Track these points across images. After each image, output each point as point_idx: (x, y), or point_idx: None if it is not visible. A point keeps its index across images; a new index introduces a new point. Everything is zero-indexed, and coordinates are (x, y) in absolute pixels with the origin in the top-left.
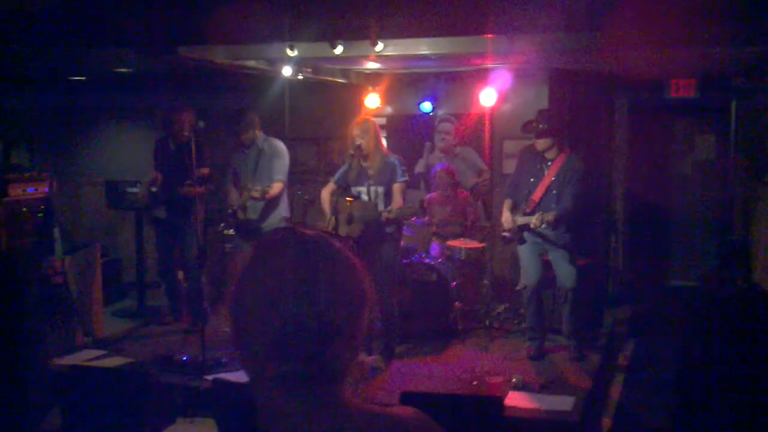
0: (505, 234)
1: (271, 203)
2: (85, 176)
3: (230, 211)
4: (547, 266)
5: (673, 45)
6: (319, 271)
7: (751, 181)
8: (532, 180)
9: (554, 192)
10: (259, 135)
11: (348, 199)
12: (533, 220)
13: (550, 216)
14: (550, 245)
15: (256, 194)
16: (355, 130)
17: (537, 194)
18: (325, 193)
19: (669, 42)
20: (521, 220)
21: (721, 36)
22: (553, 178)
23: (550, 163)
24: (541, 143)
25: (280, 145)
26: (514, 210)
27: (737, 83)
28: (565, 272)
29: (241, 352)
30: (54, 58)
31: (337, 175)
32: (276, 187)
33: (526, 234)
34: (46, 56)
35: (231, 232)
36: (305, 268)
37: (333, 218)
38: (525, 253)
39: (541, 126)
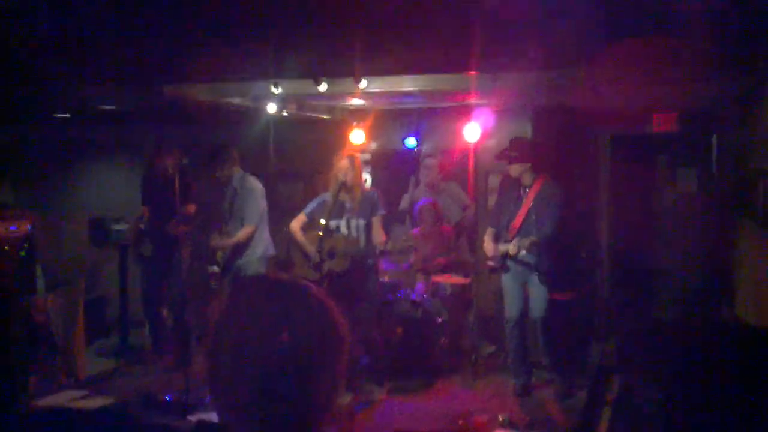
0: (490, 263)
1: (241, 245)
2: (69, 213)
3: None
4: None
5: (654, 81)
6: (294, 316)
7: (733, 215)
8: (511, 208)
9: (533, 218)
10: (237, 172)
11: (319, 234)
12: (510, 247)
13: (527, 242)
14: (531, 273)
15: (215, 245)
16: (341, 165)
17: (517, 221)
18: (296, 225)
19: (650, 78)
20: (503, 248)
21: (702, 72)
22: (531, 204)
23: (528, 190)
24: (514, 169)
25: (254, 185)
26: (497, 239)
27: (718, 117)
28: (535, 301)
29: (219, 399)
30: (39, 95)
31: (309, 207)
32: (243, 233)
33: (509, 263)
34: (31, 93)
35: (215, 268)
36: (280, 314)
37: (317, 254)
38: (507, 284)
39: (513, 153)
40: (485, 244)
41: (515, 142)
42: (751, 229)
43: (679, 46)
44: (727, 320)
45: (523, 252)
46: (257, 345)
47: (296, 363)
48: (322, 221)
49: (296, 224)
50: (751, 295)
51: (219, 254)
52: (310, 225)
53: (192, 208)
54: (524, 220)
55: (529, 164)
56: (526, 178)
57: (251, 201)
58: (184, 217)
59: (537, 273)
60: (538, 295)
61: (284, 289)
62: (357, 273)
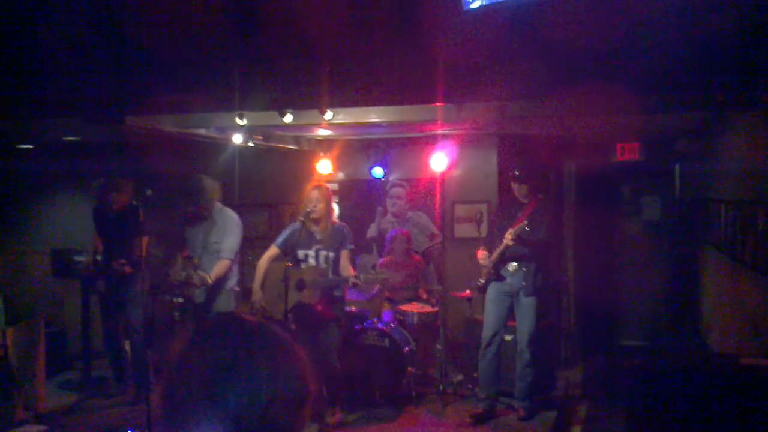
0: (481, 281)
1: (218, 283)
2: (30, 245)
3: (176, 282)
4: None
5: (618, 112)
6: (262, 363)
7: (697, 242)
8: (506, 223)
9: (527, 229)
10: (216, 205)
11: (288, 264)
12: (508, 235)
13: (524, 225)
14: (519, 296)
15: (197, 282)
16: (309, 195)
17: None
18: (265, 258)
19: (614, 109)
20: (495, 255)
21: (662, 103)
22: (526, 218)
23: (524, 207)
24: (520, 189)
25: (234, 219)
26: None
27: (680, 147)
28: (524, 327)
29: None
30: (1, 127)
31: (280, 239)
32: (221, 267)
33: (495, 285)
34: None
35: (180, 299)
36: (247, 361)
37: (283, 284)
38: (490, 302)
39: (522, 174)
40: (479, 256)
41: (524, 164)
42: (714, 256)
43: (641, 79)
44: (691, 346)
45: (516, 237)
46: (219, 392)
47: (261, 416)
48: (299, 252)
49: (266, 256)
50: (715, 320)
51: (187, 290)
52: (281, 256)
53: (144, 242)
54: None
55: (533, 184)
56: (525, 197)
57: (231, 235)
58: (131, 258)
59: (530, 296)
60: (527, 320)
61: (252, 332)
62: (325, 304)
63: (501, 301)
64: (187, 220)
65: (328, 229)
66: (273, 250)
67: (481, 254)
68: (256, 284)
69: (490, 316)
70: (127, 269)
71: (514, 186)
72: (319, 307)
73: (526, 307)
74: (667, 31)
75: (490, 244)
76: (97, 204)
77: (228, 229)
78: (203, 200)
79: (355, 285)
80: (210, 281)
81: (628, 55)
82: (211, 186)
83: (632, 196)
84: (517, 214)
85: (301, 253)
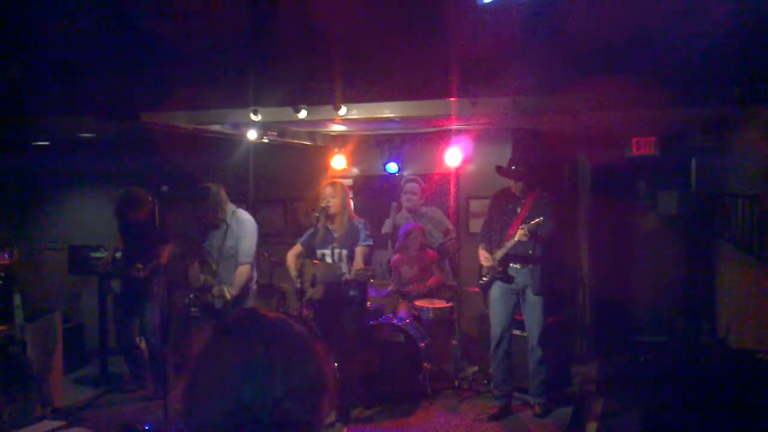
0: (484, 279)
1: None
2: (47, 241)
3: (194, 291)
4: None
5: (633, 107)
6: (277, 358)
7: (713, 237)
8: (505, 219)
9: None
10: (228, 209)
11: (315, 261)
12: (519, 233)
13: (535, 222)
14: (525, 293)
15: (216, 294)
16: (324, 192)
17: (513, 228)
18: (290, 256)
19: (630, 104)
20: (500, 253)
21: (678, 97)
22: (527, 213)
23: (524, 201)
24: (518, 185)
25: (249, 222)
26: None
27: (695, 141)
28: (532, 325)
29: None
30: (17, 124)
31: (304, 237)
32: (241, 275)
33: (499, 283)
34: (9, 122)
35: (195, 312)
36: (263, 354)
37: (299, 281)
38: (495, 301)
39: (520, 170)
40: (481, 256)
41: (521, 161)
42: (731, 251)
43: (656, 74)
44: (708, 342)
45: (528, 236)
46: (235, 384)
47: (274, 408)
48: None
49: (291, 254)
50: (732, 316)
51: (209, 297)
52: (305, 254)
53: (167, 250)
54: (520, 226)
55: (531, 180)
56: (523, 192)
57: (246, 239)
58: (149, 265)
59: (536, 295)
60: (536, 319)
61: (270, 326)
62: (336, 301)
63: (506, 299)
64: (203, 229)
65: (344, 225)
66: (297, 248)
67: (483, 254)
68: (294, 275)
69: (496, 314)
70: (143, 274)
71: (510, 182)
72: (329, 304)
73: (534, 305)
74: (683, 25)
75: (488, 242)
76: (117, 219)
77: (243, 232)
78: (212, 208)
79: (348, 281)
80: (230, 296)
81: (644, 49)
82: (217, 191)
83: (648, 190)
84: (516, 209)
85: (319, 253)
